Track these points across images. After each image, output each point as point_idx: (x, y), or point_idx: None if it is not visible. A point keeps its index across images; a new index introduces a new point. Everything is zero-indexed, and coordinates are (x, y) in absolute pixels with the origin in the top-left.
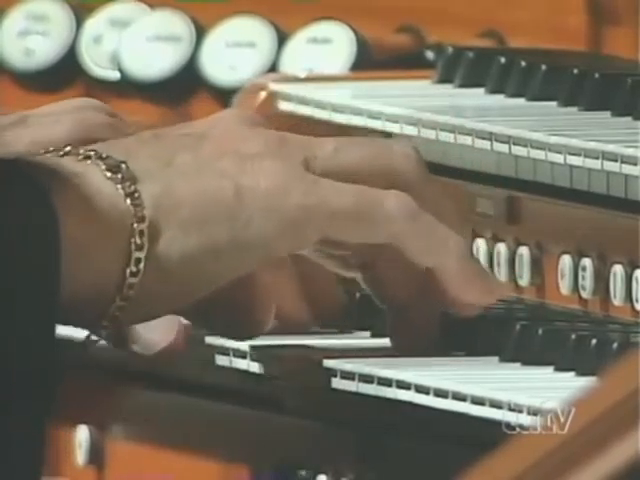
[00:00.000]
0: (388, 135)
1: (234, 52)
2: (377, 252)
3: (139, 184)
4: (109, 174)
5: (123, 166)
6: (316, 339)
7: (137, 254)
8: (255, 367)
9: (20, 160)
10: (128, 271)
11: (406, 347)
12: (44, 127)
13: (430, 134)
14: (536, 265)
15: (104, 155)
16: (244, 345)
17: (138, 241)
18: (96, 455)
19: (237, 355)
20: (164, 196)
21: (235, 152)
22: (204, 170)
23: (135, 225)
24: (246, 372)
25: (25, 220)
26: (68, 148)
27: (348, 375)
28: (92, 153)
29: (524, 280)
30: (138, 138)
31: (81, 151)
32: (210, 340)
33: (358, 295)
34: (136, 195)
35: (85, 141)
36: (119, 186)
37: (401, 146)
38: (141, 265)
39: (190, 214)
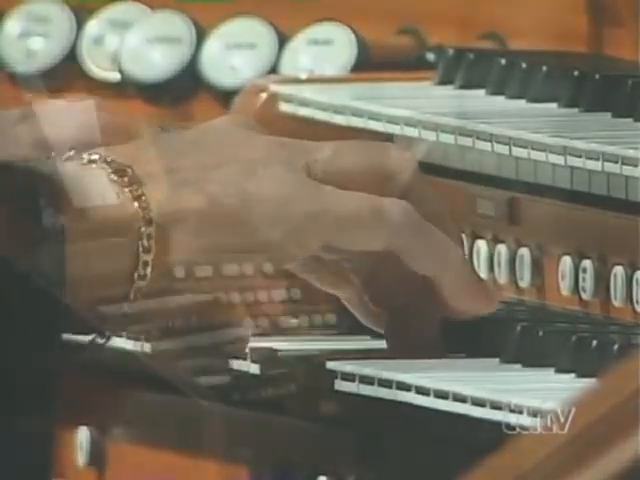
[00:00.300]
0: (389, 137)
1: (234, 53)
2: (376, 258)
3: (144, 188)
4: (115, 177)
5: (129, 170)
6: (317, 341)
7: (145, 257)
8: (255, 368)
9: (25, 164)
10: (136, 275)
11: (402, 349)
12: (49, 127)
13: (431, 135)
14: (537, 266)
15: (109, 159)
16: None
17: (146, 244)
18: (97, 456)
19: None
20: (169, 201)
21: (238, 158)
22: (208, 176)
23: (143, 228)
24: (246, 373)
25: (30, 225)
26: (72, 153)
27: (349, 376)
28: (97, 157)
29: (525, 281)
30: (139, 144)
31: (84, 155)
32: None
33: None
34: (143, 198)
35: (89, 144)
36: (126, 189)
37: (398, 148)
38: (148, 269)
39: (196, 219)
